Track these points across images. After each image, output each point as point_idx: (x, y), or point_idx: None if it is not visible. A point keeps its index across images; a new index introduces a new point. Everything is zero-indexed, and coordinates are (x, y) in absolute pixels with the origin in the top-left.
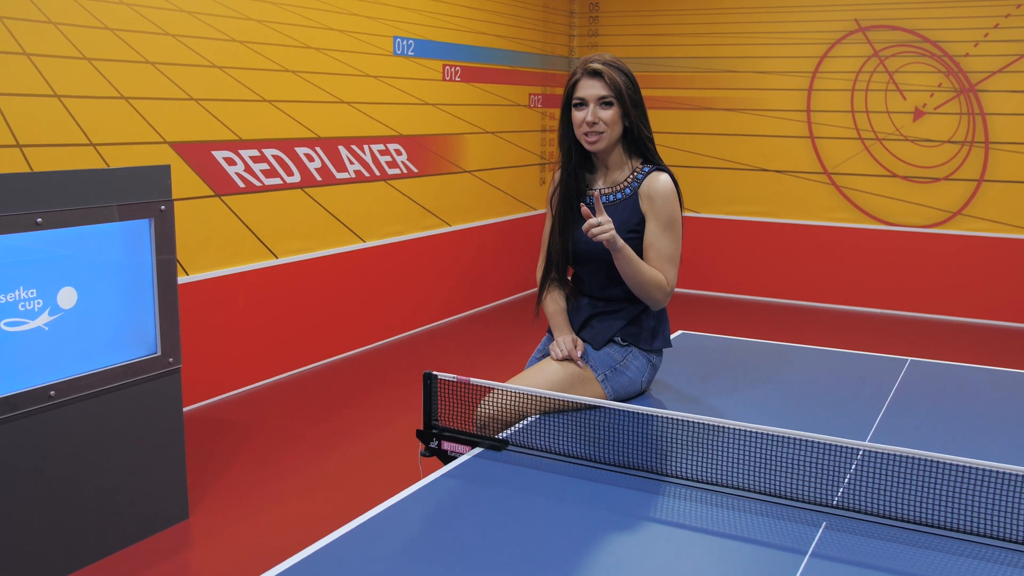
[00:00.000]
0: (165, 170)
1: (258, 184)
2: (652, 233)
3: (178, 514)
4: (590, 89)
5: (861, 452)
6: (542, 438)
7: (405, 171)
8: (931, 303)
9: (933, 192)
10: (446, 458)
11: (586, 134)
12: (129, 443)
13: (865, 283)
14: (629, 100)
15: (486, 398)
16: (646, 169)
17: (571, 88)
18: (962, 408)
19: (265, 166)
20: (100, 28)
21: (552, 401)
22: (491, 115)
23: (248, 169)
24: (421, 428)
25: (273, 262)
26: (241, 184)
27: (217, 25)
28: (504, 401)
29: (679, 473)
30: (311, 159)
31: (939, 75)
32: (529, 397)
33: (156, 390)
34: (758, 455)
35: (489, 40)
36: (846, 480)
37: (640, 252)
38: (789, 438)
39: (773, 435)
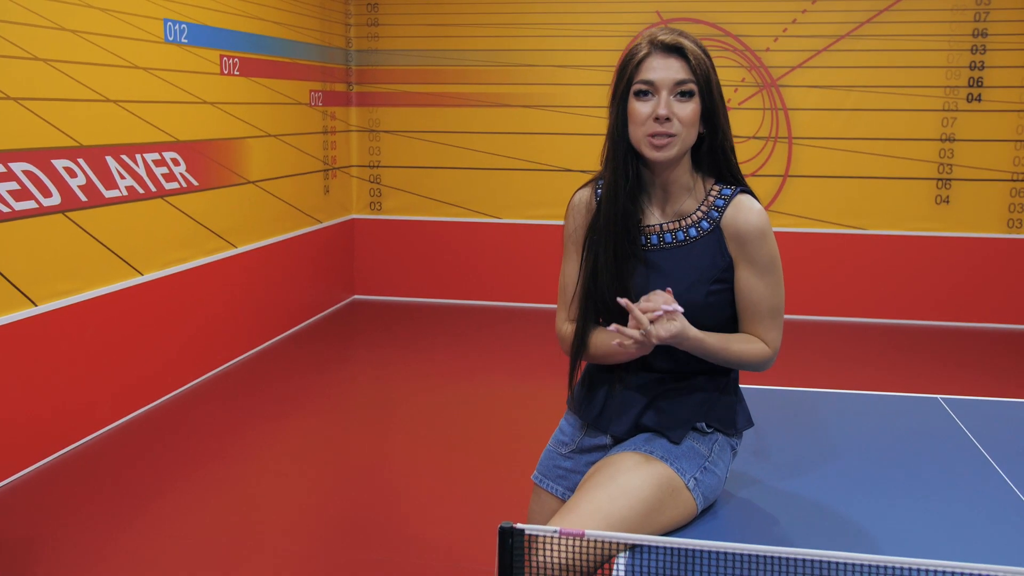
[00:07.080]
0: None
1: (6, 210)
2: (746, 281)
3: None
4: (664, 71)
5: None
6: None
7: (184, 184)
8: None
9: None
10: None
11: (653, 135)
12: None
13: None
14: (717, 93)
15: (542, 539)
16: (726, 192)
17: (633, 69)
18: None
19: (14, 186)
20: None
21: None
22: (272, 115)
23: None
24: None
25: (31, 311)
26: None
27: None
28: (580, 541)
29: None
30: (73, 174)
31: (742, 70)
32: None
33: None
34: None
35: (267, 27)
36: None
37: (726, 306)
38: None
39: None
